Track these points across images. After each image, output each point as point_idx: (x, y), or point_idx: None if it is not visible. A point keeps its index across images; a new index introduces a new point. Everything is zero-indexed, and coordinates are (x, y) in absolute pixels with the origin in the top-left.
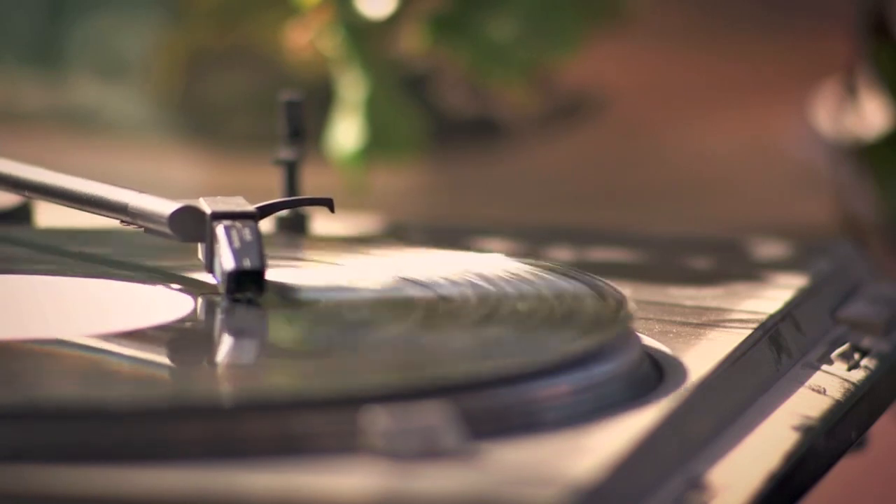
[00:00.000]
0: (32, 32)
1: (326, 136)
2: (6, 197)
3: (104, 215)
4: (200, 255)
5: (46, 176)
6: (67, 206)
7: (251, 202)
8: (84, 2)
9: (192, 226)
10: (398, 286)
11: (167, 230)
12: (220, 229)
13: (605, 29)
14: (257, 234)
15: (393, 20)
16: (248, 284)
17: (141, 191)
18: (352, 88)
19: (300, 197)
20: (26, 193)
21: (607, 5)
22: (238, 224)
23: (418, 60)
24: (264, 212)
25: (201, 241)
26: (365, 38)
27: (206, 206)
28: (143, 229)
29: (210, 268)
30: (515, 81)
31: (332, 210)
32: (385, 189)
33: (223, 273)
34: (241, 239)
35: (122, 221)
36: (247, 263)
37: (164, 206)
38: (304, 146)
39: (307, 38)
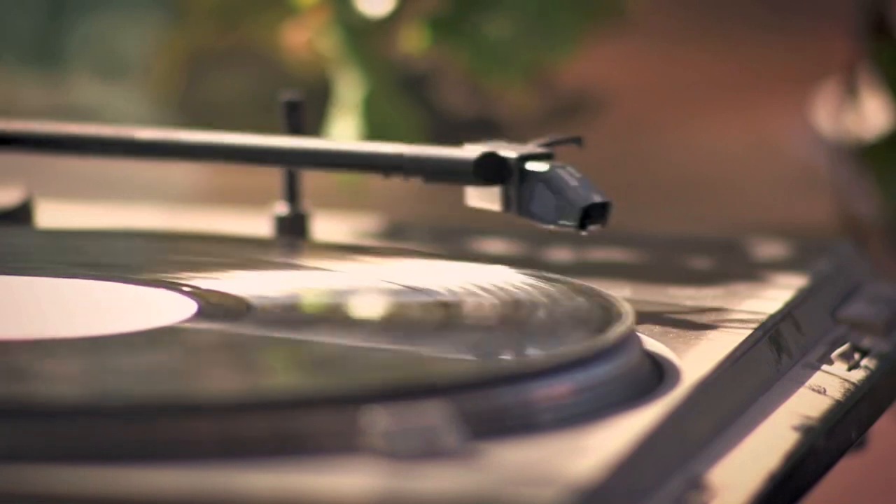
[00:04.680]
0: (32, 32)
1: (324, 135)
2: (6, 196)
3: (373, 173)
4: (494, 201)
5: (300, 143)
6: (330, 171)
7: (251, 202)
8: (84, 2)
9: (492, 170)
10: (399, 291)
11: (470, 176)
12: (556, 170)
13: (604, 29)
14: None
15: (391, 20)
16: (595, 216)
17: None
18: (350, 88)
19: (552, 140)
20: (286, 165)
21: (606, 5)
22: (559, 164)
23: (418, 60)
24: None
25: (501, 184)
26: (363, 37)
27: (503, 151)
28: (412, 180)
29: (522, 209)
30: (514, 82)
31: (580, 146)
32: (385, 189)
33: (573, 208)
34: (575, 176)
35: (386, 175)
36: (596, 197)
37: (466, 153)
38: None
39: (305, 37)
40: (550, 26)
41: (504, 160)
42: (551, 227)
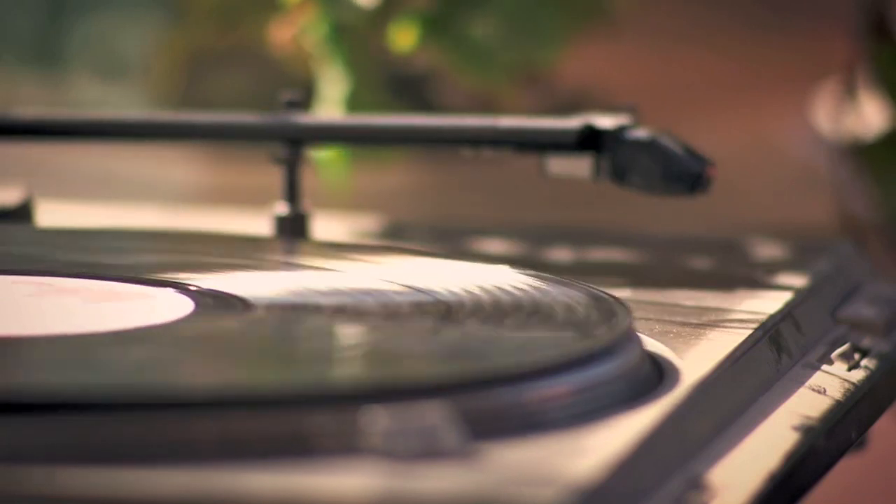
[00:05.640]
0: (32, 32)
1: None
2: (6, 196)
3: (464, 146)
4: (581, 170)
5: (389, 119)
6: (422, 147)
7: (251, 202)
8: (84, 2)
9: (592, 140)
10: (398, 291)
11: (568, 146)
12: (660, 138)
13: (591, 29)
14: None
15: (377, 17)
16: (702, 182)
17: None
18: (333, 84)
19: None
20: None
21: (593, 6)
22: (658, 132)
23: (418, 60)
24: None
25: (597, 153)
26: (347, 34)
27: (595, 123)
28: (496, 152)
29: (620, 177)
30: (499, 81)
31: (636, 113)
32: (383, 189)
33: (686, 174)
34: (679, 144)
35: (475, 148)
36: (705, 162)
37: (564, 124)
38: (303, 146)
39: (290, 33)
40: (535, 26)
41: (603, 130)
42: (653, 193)
